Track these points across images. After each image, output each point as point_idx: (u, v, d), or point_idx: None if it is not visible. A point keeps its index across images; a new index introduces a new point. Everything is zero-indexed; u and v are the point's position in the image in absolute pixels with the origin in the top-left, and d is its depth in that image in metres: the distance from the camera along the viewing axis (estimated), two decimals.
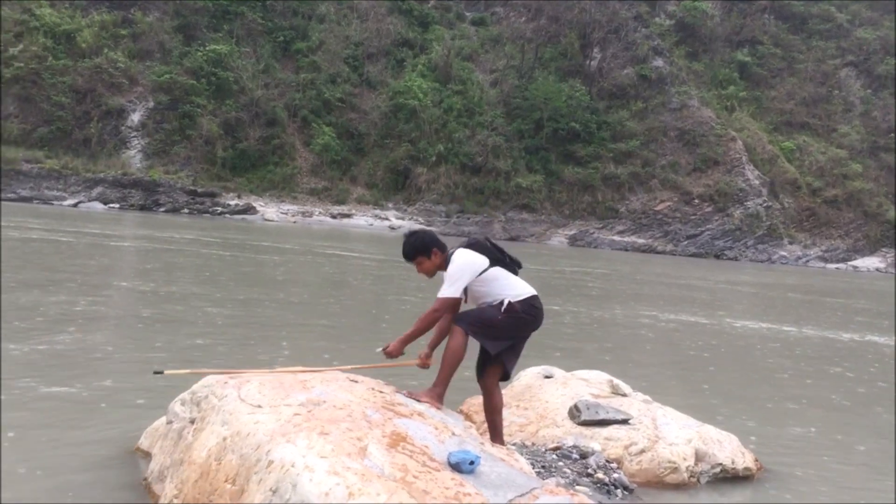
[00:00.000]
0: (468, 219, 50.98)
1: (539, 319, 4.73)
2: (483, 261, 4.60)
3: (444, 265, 4.67)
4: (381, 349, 4.69)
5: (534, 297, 4.69)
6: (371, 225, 48.13)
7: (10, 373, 6.86)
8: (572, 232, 52.06)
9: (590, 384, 6.62)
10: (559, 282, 22.63)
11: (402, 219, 50.10)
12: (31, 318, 9.40)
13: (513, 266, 4.76)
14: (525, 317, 4.63)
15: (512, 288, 4.67)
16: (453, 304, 4.51)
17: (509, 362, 4.79)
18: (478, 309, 4.57)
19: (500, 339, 4.63)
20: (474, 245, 4.66)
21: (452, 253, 4.68)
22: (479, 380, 4.90)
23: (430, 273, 4.76)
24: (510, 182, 52.59)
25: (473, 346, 4.71)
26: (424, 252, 4.67)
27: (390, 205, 51.56)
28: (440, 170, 52.25)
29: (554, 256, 36.00)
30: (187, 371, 5.35)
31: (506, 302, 4.59)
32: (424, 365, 4.68)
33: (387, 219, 49.60)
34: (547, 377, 6.85)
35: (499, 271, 4.65)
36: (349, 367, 4.78)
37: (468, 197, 52.02)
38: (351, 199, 51.21)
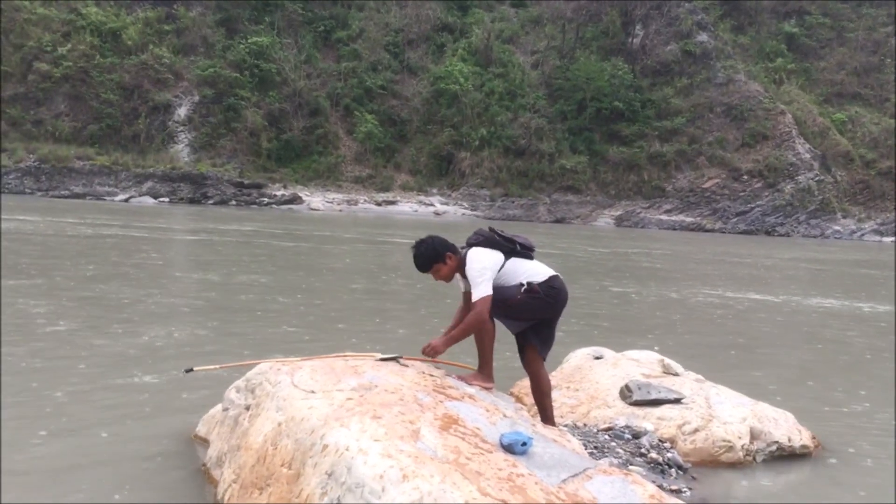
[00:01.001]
0: (512, 202, 50.81)
1: (560, 299, 4.70)
2: (499, 256, 4.59)
3: (460, 267, 4.65)
4: (423, 347, 4.71)
5: (553, 278, 4.67)
6: (416, 211, 48.26)
7: (93, 365, 7.06)
8: (619, 212, 51.53)
9: (640, 364, 6.57)
10: (607, 262, 22.46)
11: (447, 204, 50.13)
12: (120, 312, 9.66)
13: (526, 252, 4.73)
14: (545, 298, 4.60)
15: (529, 272, 4.66)
16: (490, 300, 4.52)
17: (540, 345, 4.77)
18: (497, 288, 4.57)
19: (519, 319, 4.62)
20: (486, 241, 4.62)
21: (466, 252, 4.63)
22: (523, 364, 4.91)
23: (449, 278, 4.71)
24: (554, 164, 52.22)
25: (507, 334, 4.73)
26: (440, 259, 4.63)
27: (434, 190, 51.60)
28: (483, 154, 52.11)
29: (600, 237, 35.73)
30: (216, 366, 5.52)
31: (524, 283, 4.59)
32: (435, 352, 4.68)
33: (431, 204, 49.67)
34: (597, 358, 6.82)
35: (514, 262, 4.65)
36: (386, 356, 4.77)
37: (512, 180, 51.80)
38: (395, 186, 51.37)
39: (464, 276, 4.66)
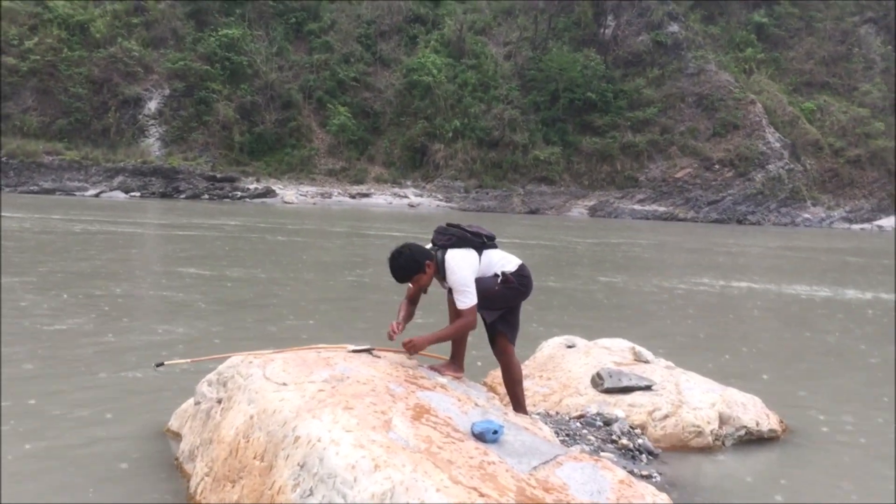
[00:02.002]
0: (487, 193, 50.90)
1: (529, 287, 4.76)
2: (474, 256, 4.58)
3: (438, 270, 4.62)
4: (404, 340, 4.67)
5: (522, 267, 4.72)
6: (390, 203, 48.21)
7: (72, 362, 7.00)
8: (592, 203, 51.83)
9: (612, 352, 6.64)
10: (580, 253, 22.60)
11: (421, 196, 50.12)
12: (110, 309, 9.57)
13: (492, 243, 4.74)
14: (519, 287, 4.65)
15: (500, 262, 4.69)
16: (476, 308, 4.53)
17: (509, 331, 4.81)
18: (476, 281, 4.55)
19: (494, 308, 4.66)
20: (458, 241, 4.59)
21: (442, 256, 4.57)
22: (495, 354, 4.93)
23: (428, 283, 4.65)
24: (528, 155, 52.39)
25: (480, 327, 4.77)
26: (419, 269, 4.57)
27: (409, 182, 51.57)
28: (457, 146, 52.14)
29: (578, 227, 35.91)
30: (187, 360, 5.60)
31: (501, 273, 4.60)
32: (392, 336, 4.63)
33: (406, 196, 49.64)
34: (569, 347, 6.88)
35: (487, 255, 4.65)
36: (359, 347, 4.78)
37: (486, 172, 51.89)
38: (369, 179, 51.27)
39: (441, 279, 4.65)
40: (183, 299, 10.80)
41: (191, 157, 47.82)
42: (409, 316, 4.73)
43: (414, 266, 4.52)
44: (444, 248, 4.56)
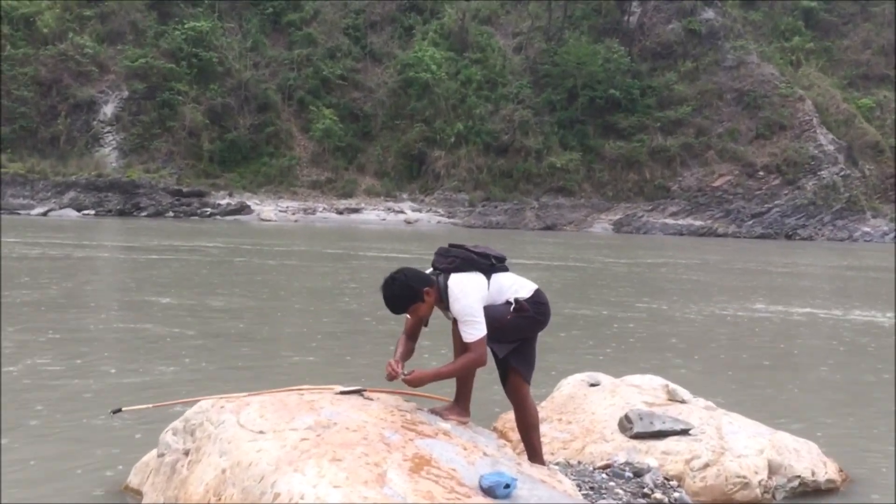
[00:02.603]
0: (495, 207, 51.01)
1: (547, 316, 4.73)
2: (482, 280, 4.55)
3: (439, 299, 4.58)
4: (404, 374, 4.61)
5: (538, 292, 4.69)
6: (384, 220, 48.32)
7: (25, 407, 6.99)
8: (617, 216, 51.92)
9: (642, 391, 6.62)
10: (609, 275, 22.60)
11: (420, 211, 50.22)
12: (79, 345, 9.57)
13: (502, 265, 4.72)
14: (535, 316, 4.63)
15: (513, 287, 4.66)
16: (486, 340, 4.51)
17: (523, 367, 4.76)
18: (484, 310, 4.53)
19: (507, 340, 4.62)
20: (463, 264, 4.56)
21: (444, 282, 4.54)
22: (507, 393, 4.89)
23: (429, 315, 4.61)
24: (542, 162, 52.56)
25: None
26: (416, 298, 4.51)
27: (405, 195, 51.71)
28: (460, 152, 52.33)
29: (599, 245, 35.94)
30: (149, 405, 5.55)
31: (513, 300, 4.58)
32: (393, 376, 4.58)
33: (401, 212, 49.77)
34: (592, 385, 6.86)
35: (497, 280, 4.62)
36: (348, 389, 4.76)
37: (494, 182, 52.05)
38: (359, 192, 51.42)
39: (444, 309, 4.62)
40: (153, 334, 10.81)
41: (153, 168, 48.02)
42: (409, 353, 4.70)
43: (410, 294, 4.48)
44: (447, 272, 4.53)
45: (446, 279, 4.50)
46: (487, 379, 5.49)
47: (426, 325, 4.72)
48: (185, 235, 30.86)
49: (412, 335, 4.74)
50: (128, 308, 13.22)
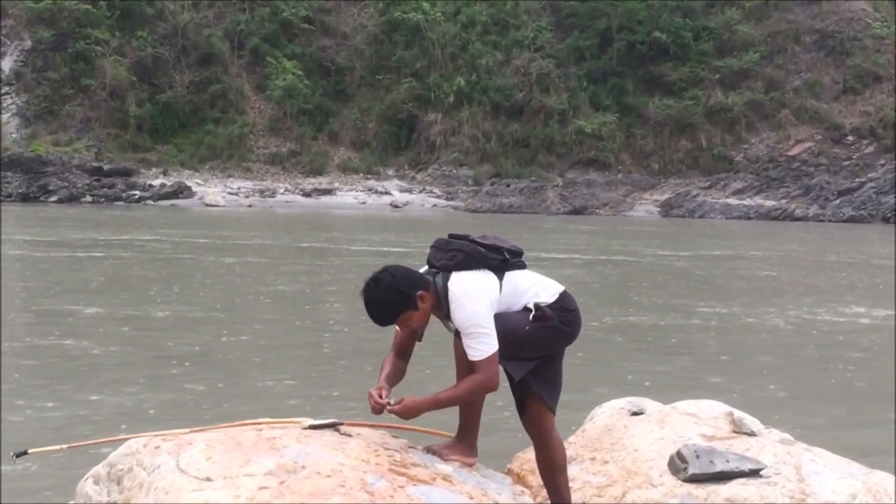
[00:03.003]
0: (508, 186, 50.95)
1: (576, 326, 4.62)
2: (492, 281, 4.48)
3: (437, 304, 4.47)
4: (390, 406, 4.53)
5: (565, 296, 4.60)
6: (364, 203, 48.30)
7: None
8: (665, 196, 51.92)
9: (700, 421, 6.61)
10: (658, 272, 22.61)
11: (410, 191, 50.20)
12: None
13: (518, 261, 4.66)
14: (560, 326, 4.55)
15: (532, 290, 4.59)
16: (497, 357, 4.42)
17: (546, 393, 4.71)
18: (496, 320, 4.44)
19: (525, 358, 4.56)
20: (467, 260, 4.48)
21: (443, 283, 4.46)
22: (525, 425, 4.83)
23: (423, 324, 4.49)
24: (568, 127, 52.50)
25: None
26: (408, 304, 4.36)
27: (390, 172, 51.70)
28: (461, 115, 52.27)
29: (643, 234, 35.89)
30: (61, 447, 5.40)
31: (533, 305, 4.51)
32: (378, 408, 4.50)
33: (387, 192, 49.75)
34: (635, 414, 6.85)
35: (511, 280, 4.55)
36: (319, 422, 4.73)
37: (506, 153, 52.01)
38: (331, 167, 51.38)
39: (444, 317, 4.54)
40: (75, 353, 10.83)
41: (64, 140, 47.94)
42: (398, 375, 4.61)
43: (399, 300, 4.36)
44: (447, 270, 4.46)
45: (446, 280, 4.41)
46: (500, 406, 5.49)
47: (420, 340, 4.61)
48: (111, 226, 30.86)
49: (402, 352, 4.67)
50: (42, 320, 13.20)
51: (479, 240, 4.54)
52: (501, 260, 4.53)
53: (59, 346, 11.26)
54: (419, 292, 4.35)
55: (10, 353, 10.89)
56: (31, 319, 13.37)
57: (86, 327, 12.49)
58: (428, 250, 4.55)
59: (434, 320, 4.56)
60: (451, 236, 4.54)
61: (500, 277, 4.49)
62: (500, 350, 4.38)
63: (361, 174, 51.21)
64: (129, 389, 9.18)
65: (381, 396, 4.38)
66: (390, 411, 4.41)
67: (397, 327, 4.54)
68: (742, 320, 15.01)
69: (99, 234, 27.66)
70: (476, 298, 4.34)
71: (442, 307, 4.40)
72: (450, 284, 4.37)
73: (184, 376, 9.87)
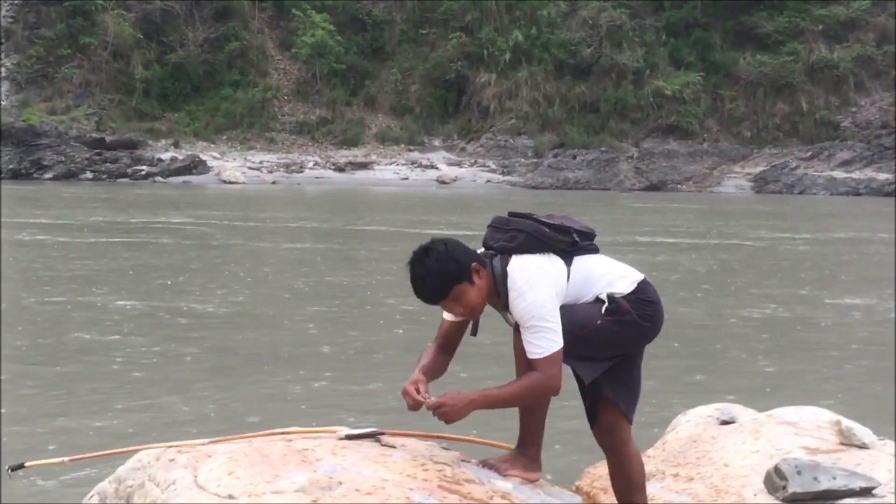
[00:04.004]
0: (573, 158, 50.80)
1: (658, 321, 4.54)
2: (559, 266, 4.41)
3: (492, 288, 4.38)
4: (429, 401, 4.44)
5: (644, 285, 4.51)
6: (406, 179, 48.31)
7: None
8: (758, 169, 51.52)
9: (801, 431, 6.58)
10: (763, 257, 22.47)
11: (459, 165, 50.16)
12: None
13: (589, 245, 4.58)
14: (638, 320, 4.46)
15: (606, 278, 4.52)
16: (561, 356, 4.35)
17: (622, 399, 4.65)
18: (563, 312, 4.36)
19: (597, 358, 4.50)
20: (530, 240, 4.41)
21: (501, 267, 4.37)
22: (596, 436, 4.80)
23: (480, 307, 4.41)
24: (644, 88, 52.27)
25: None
26: (462, 274, 4.26)
27: (436, 142, 51.71)
28: (519, 75, 52.17)
29: (736, 214, 35.61)
30: (62, 459, 5.36)
31: (606, 296, 4.43)
32: (416, 405, 4.40)
33: (432, 166, 49.71)
34: (725, 423, 6.83)
35: (581, 266, 4.47)
36: (357, 431, 4.73)
37: (571, 120, 51.89)
38: (368, 138, 51.46)
39: (502, 308, 4.47)
40: (85, 353, 10.98)
41: (61, 108, 48.31)
42: (438, 370, 4.50)
43: (453, 270, 4.25)
44: (506, 252, 4.43)
45: (504, 263, 4.35)
46: (566, 412, 5.48)
47: (475, 333, 4.60)
48: (114, 207, 31.03)
49: (446, 345, 4.62)
50: (49, 314, 13.39)
51: (543, 219, 4.47)
52: (570, 242, 4.47)
53: (62, 343, 11.38)
54: (474, 265, 4.31)
55: (16, 352, 11.03)
56: (36, 312, 13.53)
57: (96, 320, 12.65)
58: (485, 231, 4.52)
59: (489, 309, 4.52)
60: (511, 214, 4.48)
61: (568, 263, 4.44)
62: (566, 348, 4.31)
63: (403, 145, 51.25)
64: (136, 393, 9.27)
65: (417, 391, 4.31)
66: (429, 407, 4.30)
67: (445, 315, 4.53)
68: (866, 314, 14.88)
69: (103, 215, 27.89)
70: (539, 287, 4.29)
71: (499, 295, 4.35)
72: (509, 269, 4.32)
73: (206, 378, 9.95)
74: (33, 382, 9.72)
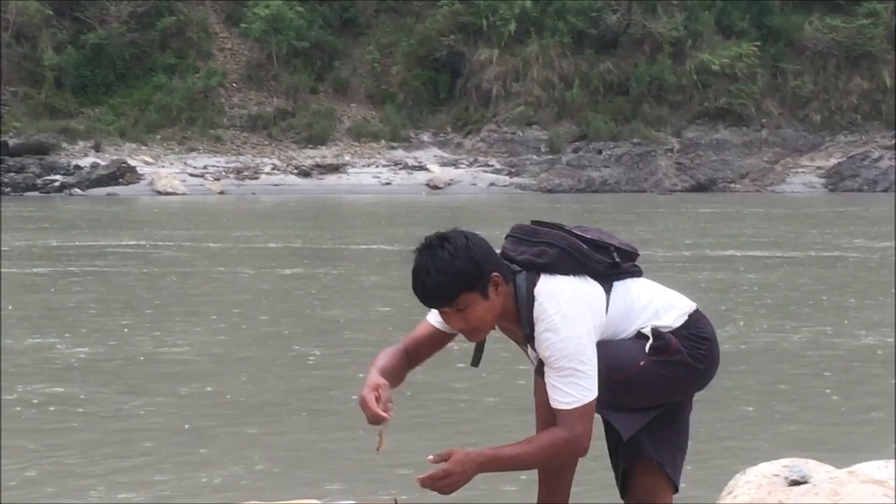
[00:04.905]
0: (599, 153, 50.90)
1: (713, 362, 4.48)
2: (598, 293, 4.32)
3: (511, 310, 4.29)
4: (432, 471, 4.36)
5: (698, 316, 4.45)
6: (388, 184, 48.37)
7: None
8: (832, 161, 51.65)
9: (890, 491, 6.60)
10: (851, 272, 22.58)
11: (455, 165, 50.24)
12: None
13: (631, 266, 4.51)
14: (689, 361, 4.40)
15: (651, 307, 4.44)
16: (594, 408, 4.28)
17: (668, 459, 4.61)
18: (599, 349, 4.29)
19: (638, 407, 4.44)
20: (562, 259, 4.30)
21: (527, 286, 4.28)
22: (625, 497, 4.78)
23: (486, 327, 4.30)
24: (685, 63, 52.40)
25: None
26: (477, 280, 4.16)
27: (425, 136, 51.84)
28: (528, 51, 52.32)
29: (810, 217, 35.70)
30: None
31: (650, 330, 4.36)
32: (375, 418, 4.22)
33: (421, 166, 49.78)
34: (795, 483, 6.85)
35: (622, 292, 4.38)
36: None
37: (594, 105, 52.02)
38: (340, 133, 51.61)
39: (522, 338, 4.41)
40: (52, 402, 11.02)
41: None
42: (395, 376, 4.42)
43: (468, 272, 4.12)
44: (533, 269, 4.36)
45: (531, 283, 4.30)
46: (596, 464, 5.50)
47: (475, 363, 4.49)
48: (32, 227, 31.11)
49: (416, 352, 4.55)
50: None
51: (575, 230, 4.42)
52: (609, 263, 4.40)
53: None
54: (494, 274, 4.19)
55: None
56: None
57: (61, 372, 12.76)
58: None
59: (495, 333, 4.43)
60: (535, 223, 4.45)
61: (608, 289, 4.38)
62: (600, 394, 4.21)
63: (383, 142, 51.40)
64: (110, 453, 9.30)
65: (378, 400, 4.16)
66: (428, 481, 4.11)
67: (431, 318, 4.45)
68: None
69: (19, 238, 27.94)
70: (575, 319, 4.20)
71: (519, 321, 4.30)
72: (537, 292, 4.25)
73: (177, 443, 9.99)
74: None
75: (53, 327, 16.10)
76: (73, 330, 15.82)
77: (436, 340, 4.53)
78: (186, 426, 10.64)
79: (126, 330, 15.79)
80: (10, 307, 17.92)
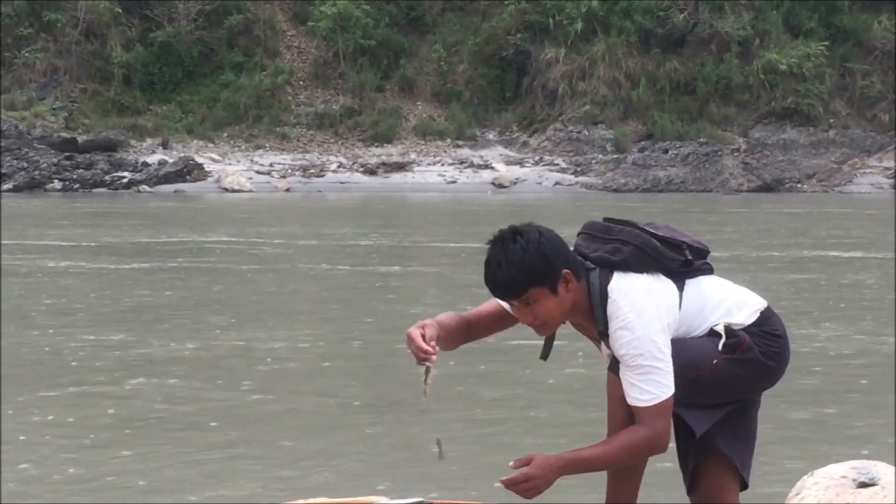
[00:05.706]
0: (665, 152, 50.62)
1: (785, 359, 4.46)
2: (671, 291, 4.40)
3: (581, 305, 4.35)
4: (513, 475, 4.37)
5: (769, 314, 4.42)
6: (453, 182, 48.18)
7: None
8: None
9: None
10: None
11: (520, 163, 50.06)
12: None
13: (703, 265, 4.50)
14: (761, 359, 4.38)
15: (723, 305, 4.43)
16: (671, 406, 4.26)
17: (738, 454, 4.58)
18: (672, 347, 4.29)
19: (709, 404, 4.42)
20: (636, 257, 4.29)
21: (600, 283, 4.36)
22: (692, 495, 4.75)
23: (555, 322, 4.38)
24: (753, 63, 52.03)
25: None
26: (548, 276, 4.20)
27: (491, 135, 51.65)
28: (595, 50, 52.04)
29: (870, 218, 35.38)
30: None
31: (723, 328, 4.34)
32: (421, 354, 4.19)
33: (486, 165, 49.59)
34: (864, 485, 6.90)
35: (695, 290, 4.36)
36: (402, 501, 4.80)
37: (661, 104, 51.73)
38: (406, 132, 51.47)
39: (595, 334, 4.38)
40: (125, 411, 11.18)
41: (21, 101, 48.54)
42: (452, 337, 4.52)
43: (540, 266, 4.21)
44: (606, 267, 4.39)
45: (604, 280, 4.36)
46: (663, 467, 5.56)
47: (544, 356, 4.60)
48: (95, 224, 31.16)
49: (477, 325, 4.64)
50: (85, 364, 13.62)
51: (648, 228, 4.47)
52: (682, 261, 4.45)
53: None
54: (565, 270, 4.25)
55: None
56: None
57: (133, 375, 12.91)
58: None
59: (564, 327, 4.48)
60: (607, 220, 4.51)
61: (681, 287, 4.42)
62: (675, 392, 4.27)
63: (449, 140, 51.27)
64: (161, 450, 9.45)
65: (423, 338, 4.19)
66: (512, 483, 4.21)
67: (498, 307, 4.50)
68: None
69: (83, 237, 28.04)
70: (650, 317, 4.26)
71: (592, 317, 4.36)
72: (611, 290, 4.30)
73: (218, 438, 10.11)
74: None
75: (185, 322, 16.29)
76: (199, 326, 16.02)
77: (500, 319, 4.57)
78: (309, 422, 10.79)
79: (236, 328, 15.95)
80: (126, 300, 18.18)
